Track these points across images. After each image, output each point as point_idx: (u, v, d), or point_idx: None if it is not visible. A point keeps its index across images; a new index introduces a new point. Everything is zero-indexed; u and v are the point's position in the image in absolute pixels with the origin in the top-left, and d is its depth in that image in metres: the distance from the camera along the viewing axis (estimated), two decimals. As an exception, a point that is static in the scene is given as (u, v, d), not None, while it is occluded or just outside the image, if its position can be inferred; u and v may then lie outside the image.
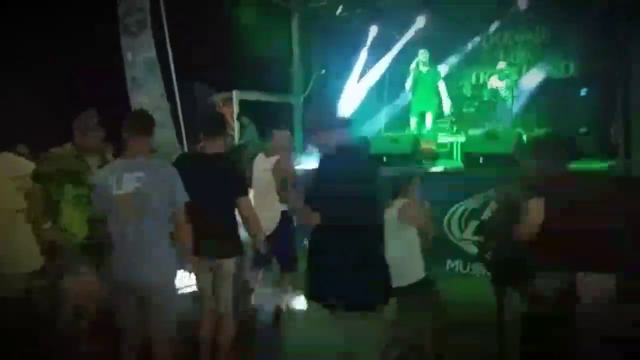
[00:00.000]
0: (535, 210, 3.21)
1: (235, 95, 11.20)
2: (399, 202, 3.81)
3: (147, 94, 8.69)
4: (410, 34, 11.20)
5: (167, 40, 8.92)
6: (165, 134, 8.28)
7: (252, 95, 11.34)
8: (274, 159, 4.87)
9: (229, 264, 3.62)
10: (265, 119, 9.82)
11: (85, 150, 3.60)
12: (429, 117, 9.58)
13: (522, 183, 3.48)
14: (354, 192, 2.73)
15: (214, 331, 3.62)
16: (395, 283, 3.09)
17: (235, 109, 11.13)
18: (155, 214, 3.12)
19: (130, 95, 8.77)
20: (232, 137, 11.04)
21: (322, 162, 3.09)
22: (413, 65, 9.54)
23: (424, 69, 9.47)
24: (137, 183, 3.09)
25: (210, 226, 3.38)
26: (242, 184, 3.78)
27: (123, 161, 3.23)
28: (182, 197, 3.20)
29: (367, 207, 2.82)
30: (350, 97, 11.39)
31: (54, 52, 8.51)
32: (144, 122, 3.31)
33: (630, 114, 6.39)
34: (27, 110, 7.72)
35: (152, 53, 8.81)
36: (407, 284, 3.63)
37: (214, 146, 3.72)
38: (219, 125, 3.97)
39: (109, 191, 3.11)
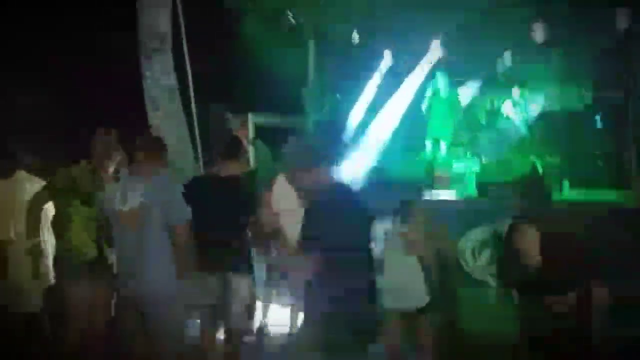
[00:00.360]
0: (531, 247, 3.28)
1: (251, 117, 11.33)
2: (398, 227, 3.81)
3: (166, 115, 8.88)
4: (425, 59, 11.29)
5: (187, 63, 9.15)
6: (183, 155, 8.43)
7: (268, 118, 11.47)
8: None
9: (237, 280, 3.63)
10: (281, 142, 9.90)
11: (102, 170, 3.69)
12: (442, 144, 9.59)
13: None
14: (348, 243, 2.67)
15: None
16: (399, 305, 3.14)
17: (251, 131, 11.27)
18: (156, 230, 3.18)
19: (149, 116, 8.96)
20: (247, 158, 11.16)
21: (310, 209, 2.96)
22: (429, 90, 9.60)
23: (440, 94, 9.51)
24: (141, 199, 3.17)
25: (218, 243, 3.43)
26: (251, 205, 3.79)
27: (129, 178, 3.31)
28: (182, 214, 3.24)
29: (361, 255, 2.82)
30: (364, 121, 11.48)
31: (74, 70, 8.71)
32: (154, 144, 3.40)
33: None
34: (45, 125, 7.86)
35: (172, 75, 9.03)
36: (411, 306, 3.63)
37: (228, 169, 3.79)
38: (234, 148, 4.03)
39: (113, 206, 3.20)
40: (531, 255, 3.24)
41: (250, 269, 3.74)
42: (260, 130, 11.18)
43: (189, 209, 3.27)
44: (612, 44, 8.97)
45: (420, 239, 3.80)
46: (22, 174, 4.35)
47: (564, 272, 3.28)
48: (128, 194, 3.20)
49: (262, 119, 11.39)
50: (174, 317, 3.33)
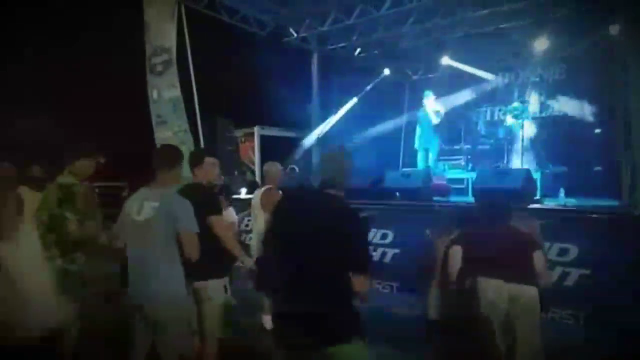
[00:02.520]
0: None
1: (257, 130, 11.61)
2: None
3: (172, 129, 9.12)
4: (427, 73, 11.52)
5: (193, 79, 9.41)
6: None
7: (273, 131, 11.74)
8: (264, 189, 5.17)
9: (214, 286, 3.77)
10: (285, 154, 10.18)
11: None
12: (430, 155, 9.78)
13: None
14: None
15: None
16: None
17: (257, 143, 11.54)
18: (167, 239, 3.31)
19: (155, 131, 9.22)
20: (252, 171, 11.40)
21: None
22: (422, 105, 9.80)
23: (426, 109, 9.68)
24: (153, 211, 3.31)
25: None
26: (213, 205, 3.86)
27: (147, 190, 3.45)
28: (189, 226, 3.33)
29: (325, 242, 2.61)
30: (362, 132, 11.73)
31: (80, 88, 8.95)
32: (170, 156, 3.50)
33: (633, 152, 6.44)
34: (51, 145, 8.08)
35: (177, 91, 9.28)
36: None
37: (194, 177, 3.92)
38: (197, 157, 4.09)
39: (130, 217, 3.34)
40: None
41: (221, 271, 3.82)
42: (266, 142, 11.45)
43: (194, 222, 3.29)
44: (609, 53, 9.09)
45: None
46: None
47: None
48: (144, 205, 3.28)
49: (268, 132, 11.66)
50: (182, 324, 3.36)
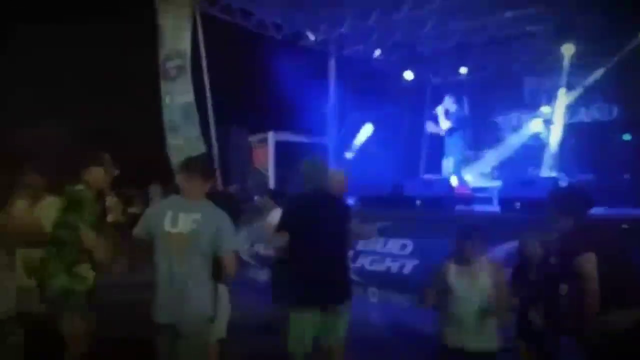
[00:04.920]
0: (590, 268, 3.06)
1: (271, 136, 11.34)
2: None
3: (184, 136, 8.91)
4: (448, 78, 11.20)
5: (207, 85, 9.21)
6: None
7: (287, 137, 11.45)
8: None
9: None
10: (300, 160, 9.87)
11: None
12: (451, 161, 9.38)
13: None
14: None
15: None
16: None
17: (271, 149, 11.26)
18: (204, 256, 3.11)
19: (166, 137, 9.01)
20: (266, 176, 11.13)
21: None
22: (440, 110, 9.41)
23: (449, 114, 9.29)
24: (194, 225, 3.09)
25: None
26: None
27: (180, 200, 3.23)
28: (230, 244, 3.19)
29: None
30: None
31: (93, 93, 8.83)
32: (201, 167, 3.34)
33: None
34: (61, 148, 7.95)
35: (190, 97, 9.09)
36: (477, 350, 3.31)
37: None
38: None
39: (162, 227, 3.11)
40: None
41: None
42: (280, 148, 11.19)
43: (236, 239, 3.32)
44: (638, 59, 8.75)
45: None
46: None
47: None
48: (180, 216, 3.09)
49: (283, 137, 11.38)
50: (205, 343, 3.26)
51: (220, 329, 3.63)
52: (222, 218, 3.20)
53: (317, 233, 3.58)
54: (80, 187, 3.66)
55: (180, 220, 3.11)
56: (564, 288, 3.46)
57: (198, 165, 3.30)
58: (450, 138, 9.16)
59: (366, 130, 11.62)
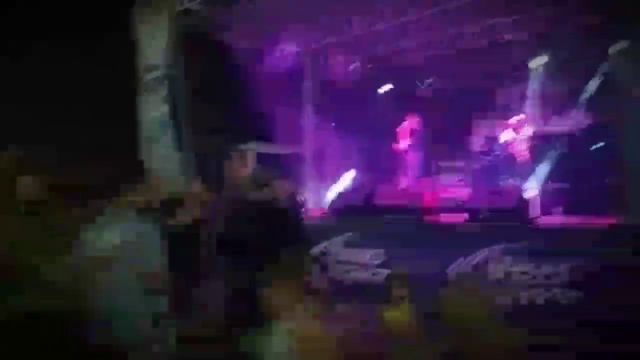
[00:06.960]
0: None
1: (250, 147, 11.39)
2: None
3: (159, 147, 8.97)
4: (423, 90, 11.35)
5: (184, 96, 9.27)
6: (173, 185, 8.47)
7: (264, 147, 11.53)
8: None
9: None
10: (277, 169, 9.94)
11: None
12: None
13: None
14: None
15: None
16: None
17: (250, 159, 11.31)
18: None
19: (142, 149, 9.06)
20: (245, 187, 11.18)
21: None
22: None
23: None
24: None
25: None
26: None
27: None
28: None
29: None
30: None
31: (68, 103, 8.77)
32: None
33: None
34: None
35: (166, 108, 9.14)
36: None
37: None
38: None
39: None
40: None
41: None
42: (259, 159, 11.24)
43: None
44: (606, 68, 8.92)
45: None
46: None
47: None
48: None
49: (260, 148, 11.45)
50: None
51: None
52: None
53: None
54: None
55: None
56: None
57: None
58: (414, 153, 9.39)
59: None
